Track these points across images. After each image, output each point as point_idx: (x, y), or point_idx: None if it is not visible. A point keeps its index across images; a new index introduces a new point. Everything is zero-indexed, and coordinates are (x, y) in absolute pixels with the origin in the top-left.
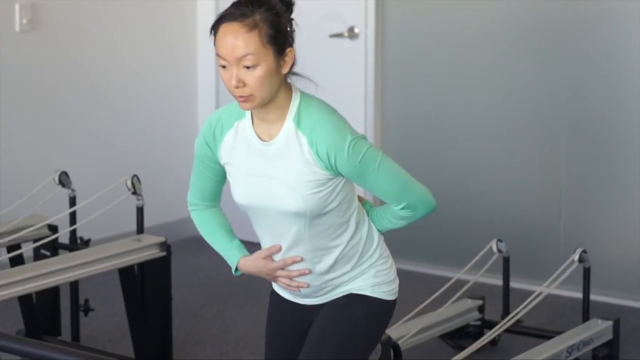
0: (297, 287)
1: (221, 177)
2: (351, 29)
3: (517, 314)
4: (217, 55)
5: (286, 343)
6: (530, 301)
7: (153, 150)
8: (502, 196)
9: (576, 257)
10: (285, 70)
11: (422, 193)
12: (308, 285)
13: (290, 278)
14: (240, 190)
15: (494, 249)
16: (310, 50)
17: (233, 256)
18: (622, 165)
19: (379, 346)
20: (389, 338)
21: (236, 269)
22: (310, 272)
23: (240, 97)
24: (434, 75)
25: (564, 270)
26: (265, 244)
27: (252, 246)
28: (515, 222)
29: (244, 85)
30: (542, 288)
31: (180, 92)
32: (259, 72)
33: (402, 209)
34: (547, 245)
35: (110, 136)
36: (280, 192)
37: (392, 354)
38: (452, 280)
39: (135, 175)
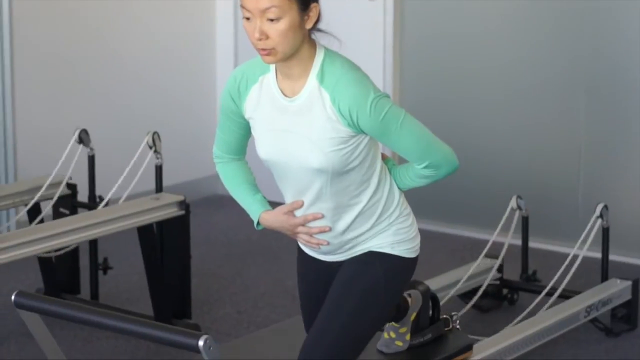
0: (317, 244)
1: (246, 131)
2: None
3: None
4: (242, 7)
5: (314, 297)
6: (568, 265)
7: (172, 110)
8: (520, 155)
9: (597, 212)
10: (309, 25)
11: (445, 152)
12: (328, 243)
13: (310, 235)
14: (264, 145)
15: (514, 205)
16: (329, 9)
17: (255, 210)
18: None
19: (419, 296)
20: (428, 289)
21: (258, 222)
22: (331, 229)
23: (263, 50)
24: (452, 35)
25: (590, 229)
26: (288, 199)
27: (275, 206)
28: (533, 182)
29: (267, 38)
30: (575, 250)
31: (198, 50)
32: (282, 25)
33: (425, 167)
34: (566, 204)
35: (129, 95)
36: (303, 148)
37: (430, 304)
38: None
39: (155, 132)
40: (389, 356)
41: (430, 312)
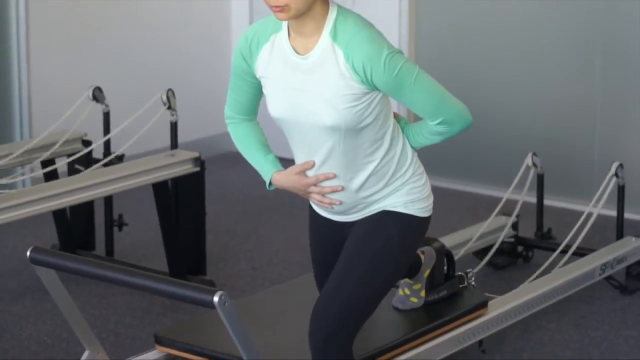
0: (330, 203)
1: (258, 90)
2: None
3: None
4: None
5: (326, 257)
6: (583, 223)
7: (187, 67)
8: (536, 113)
9: (612, 170)
10: None
11: (458, 108)
12: (341, 202)
13: (323, 194)
14: (276, 104)
15: (529, 162)
16: None
17: (267, 170)
18: None
19: (433, 253)
20: (443, 246)
21: (270, 183)
22: (343, 188)
23: (276, 6)
24: None
25: (605, 187)
26: (299, 159)
27: (286, 162)
28: (549, 140)
29: None
30: (589, 208)
31: (213, 7)
32: None
33: (438, 124)
34: (581, 162)
35: (144, 52)
36: (316, 105)
37: (445, 261)
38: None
39: (170, 89)
40: (404, 313)
41: (445, 269)
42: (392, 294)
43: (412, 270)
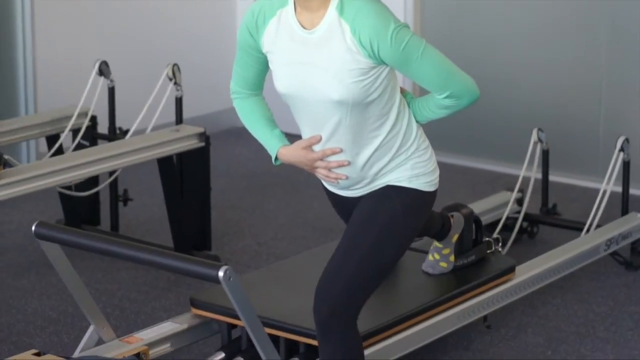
0: (336, 178)
1: (264, 65)
2: None
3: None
4: None
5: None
6: (600, 203)
7: (192, 42)
8: (542, 88)
9: (619, 145)
10: None
11: (466, 82)
12: (347, 177)
13: (329, 169)
14: (282, 78)
15: (535, 138)
16: None
17: (273, 145)
18: None
19: (461, 219)
20: (472, 212)
21: (276, 158)
22: (349, 163)
23: None
24: None
25: (614, 164)
26: (306, 134)
27: (293, 138)
28: (555, 115)
29: None
30: (604, 185)
31: None
32: None
33: (446, 97)
34: (587, 138)
35: (150, 27)
36: (323, 80)
37: (473, 227)
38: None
39: (175, 64)
40: (434, 277)
41: (474, 235)
42: (422, 258)
43: (442, 232)
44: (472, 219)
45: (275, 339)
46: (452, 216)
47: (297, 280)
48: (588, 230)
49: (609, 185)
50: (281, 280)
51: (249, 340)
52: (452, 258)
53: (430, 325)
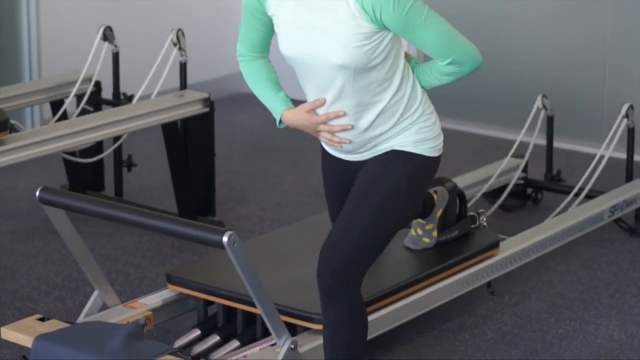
0: (339, 142)
1: (270, 28)
2: None
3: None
4: None
5: (338, 195)
6: (594, 168)
7: (196, 7)
8: (545, 55)
9: (623, 112)
10: None
11: (469, 49)
12: (350, 141)
13: (332, 133)
14: (287, 42)
15: (539, 104)
16: None
17: (277, 108)
18: None
19: (446, 193)
20: (455, 186)
21: (280, 121)
22: (353, 127)
23: None
24: None
25: (616, 130)
26: (310, 98)
27: (297, 104)
28: (559, 81)
29: None
30: (601, 151)
31: None
32: None
33: (448, 64)
34: (591, 104)
35: None
36: (326, 44)
37: (457, 201)
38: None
39: (179, 29)
40: (416, 252)
41: (458, 210)
42: (404, 233)
43: (425, 210)
44: (456, 193)
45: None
46: (436, 191)
47: (300, 247)
48: (577, 195)
49: (607, 150)
50: (285, 246)
51: (225, 318)
52: (435, 233)
53: (410, 302)
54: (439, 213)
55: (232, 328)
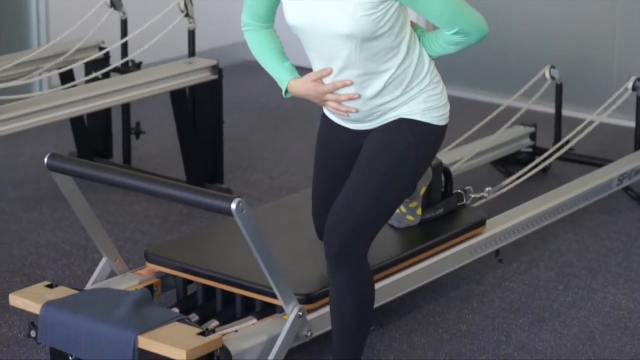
0: (346, 111)
1: None
2: None
3: (568, 141)
4: None
5: (334, 166)
6: (582, 129)
7: None
8: (554, 22)
9: (630, 84)
10: None
11: (475, 18)
12: (357, 110)
13: (339, 102)
14: (293, 11)
15: (547, 75)
16: None
17: (283, 77)
18: None
19: (429, 171)
20: (440, 163)
21: (286, 90)
22: (359, 96)
23: None
24: None
25: (617, 98)
26: (316, 67)
27: (303, 71)
28: (568, 49)
29: None
30: (593, 116)
31: None
32: None
33: (455, 34)
34: (600, 72)
35: None
36: (333, 13)
37: (442, 178)
38: (502, 107)
39: None
40: (400, 231)
41: (443, 187)
42: None
43: None
44: (441, 170)
45: None
46: None
47: (308, 214)
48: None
49: (601, 116)
50: (293, 214)
51: (204, 296)
52: (419, 211)
53: (393, 281)
54: (423, 191)
55: (212, 307)
